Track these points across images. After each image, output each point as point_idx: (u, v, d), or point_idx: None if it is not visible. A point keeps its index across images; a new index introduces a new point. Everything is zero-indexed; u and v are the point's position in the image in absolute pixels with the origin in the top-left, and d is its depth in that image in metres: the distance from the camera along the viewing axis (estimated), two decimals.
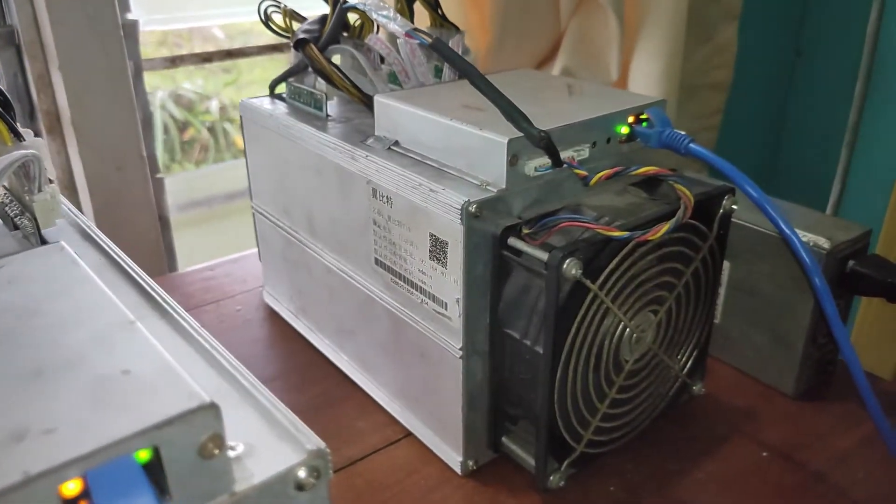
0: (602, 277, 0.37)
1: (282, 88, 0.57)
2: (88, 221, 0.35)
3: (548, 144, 0.37)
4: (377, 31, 0.56)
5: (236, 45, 0.89)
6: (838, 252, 0.47)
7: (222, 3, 0.87)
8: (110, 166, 0.73)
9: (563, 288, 0.36)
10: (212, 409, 0.17)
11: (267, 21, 0.55)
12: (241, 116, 0.58)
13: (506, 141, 0.38)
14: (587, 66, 0.88)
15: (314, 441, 0.20)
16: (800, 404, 0.50)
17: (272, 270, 0.61)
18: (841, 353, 0.39)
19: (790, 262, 0.47)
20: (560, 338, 0.38)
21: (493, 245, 0.39)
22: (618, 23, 0.84)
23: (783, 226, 0.39)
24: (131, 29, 0.74)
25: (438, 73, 0.54)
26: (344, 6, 0.47)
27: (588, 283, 0.37)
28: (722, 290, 0.53)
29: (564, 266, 0.35)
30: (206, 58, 0.87)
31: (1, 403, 0.17)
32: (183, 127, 1.35)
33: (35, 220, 0.32)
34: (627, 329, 0.41)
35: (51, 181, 0.33)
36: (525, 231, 0.39)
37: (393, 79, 0.53)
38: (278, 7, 0.56)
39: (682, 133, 0.42)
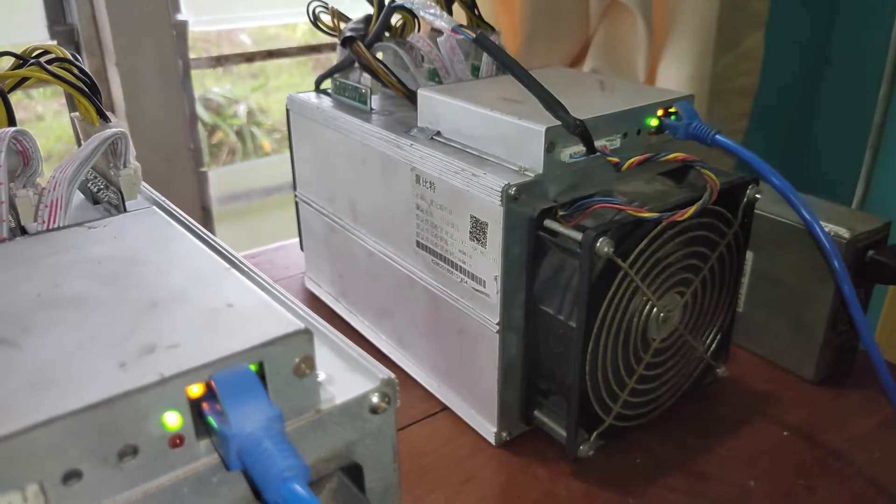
0: (632, 257, 0.40)
1: (325, 85, 0.61)
2: (160, 196, 0.38)
3: (583, 132, 0.40)
4: (418, 30, 0.59)
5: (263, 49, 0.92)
6: (858, 241, 0.49)
7: (264, 6, 0.91)
8: (160, 157, 0.77)
9: (595, 266, 0.39)
10: (306, 333, 0.20)
11: (315, 21, 0.59)
12: (287, 110, 0.61)
13: (543, 129, 0.41)
14: (615, 69, 0.91)
15: (384, 372, 0.23)
16: (820, 389, 0.52)
17: (314, 257, 0.64)
18: (858, 333, 0.41)
19: (812, 252, 0.49)
20: (592, 313, 0.40)
21: (529, 226, 0.41)
22: (646, 27, 0.87)
23: (804, 211, 0.42)
24: (181, 29, 0.78)
25: (475, 70, 0.57)
26: (392, 5, 0.50)
27: (619, 261, 0.39)
28: (745, 280, 0.55)
29: (597, 244, 0.38)
30: (249, 57, 0.91)
31: (128, 326, 0.20)
32: (212, 130, 1.40)
33: (120, 192, 0.35)
34: (655, 308, 0.43)
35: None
36: (560, 213, 0.41)
37: (432, 76, 0.57)
38: (326, 7, 0.59)
39: (709, 125, 0.45)
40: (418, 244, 0.49)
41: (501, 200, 0.40)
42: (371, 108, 0.55)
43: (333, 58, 1.00)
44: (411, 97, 0.53)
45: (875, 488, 0.44)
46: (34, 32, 0.75)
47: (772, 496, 0.43)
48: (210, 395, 0.19)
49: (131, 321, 0.21)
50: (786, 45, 1.18)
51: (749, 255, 0.53)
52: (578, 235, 0.39)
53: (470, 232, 0.44)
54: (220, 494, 0.20)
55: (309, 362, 0.21)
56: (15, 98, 0.37)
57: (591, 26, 0.93)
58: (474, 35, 0.42)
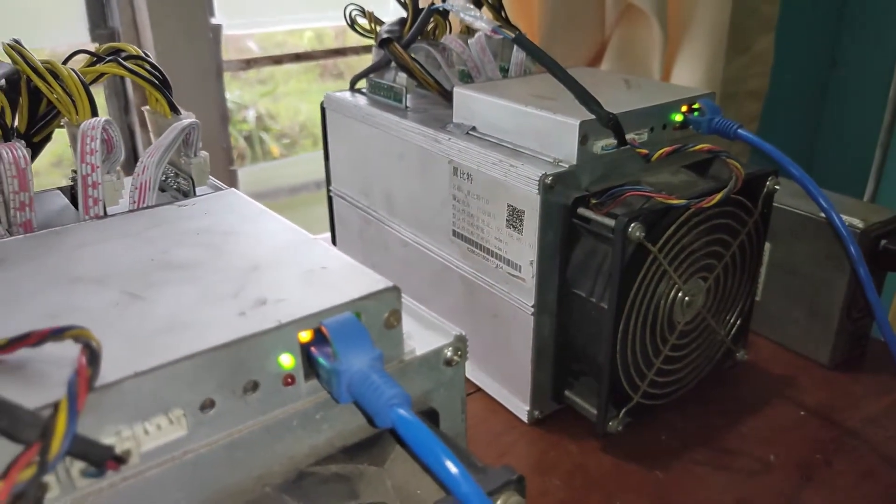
0: (661, 242, 0.43)
1: (359, 85, 0.64)
2: (222, 184, 0.41)
3: (615, 125, 0.43)
4: (450, 32, 0.62)
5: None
6: (871, 231, 0.51)
7: (294, 10, 0.94)
8: None
9: (627, 250, 0.42)
10: (395, 290, 0.23)
11: (352, 23, 0.62)
12: (322, 108, 0.64)
13: (578, 122, 0.44)
14: (630, 71, 0.94)
15: (456, 329, 0.25)
16: (835, 373, 0.55)
17: (347, 249, 0.67)
18: (873, 313, 0.44)
19: (827, 242, 0.52)
20: (623, 295, 0.43)
21: (564, 214, 0.44)
22: (661, 30, 0.90)
23: (822, 200, 0.44)
24: (216, 32, 0.81)
25: (503, 71, 0.60)
26: (432, 8, 0.53)
27: (649, 245, 0.42)
28: (763, 270, 0.57)
29: (629, 229, 0.41)
30: (277, 60, 0.94)
31: (237, 284, 0.23)
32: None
33: (192, 179, 0.38)
34: (681, 293, 0.46)
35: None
36: (593, 202, 0.44)
37: (462, 76, 0.60)
38: (361, 11, 0.62)
39: (731, 120, 0.48)
40: (454, 233, 0.51)
41: (538, 189, 0.43)
42: (406, 106, 0.58)
43: (340, 64, 1.03)
44: (445, 95, 0.56)
45: (889, 464, 0.46)
46: (76, 35, 0.79)
47: (791, 468, 0.46)
48: (317, 340, 0.22)
49: (239, 280, 0.24)
50: (794, 49, 1.21)
51: (766, 246, 0.56)
52: (611, 222, 0.42)
53: (506, 220, 0.46)
54: (322, 430, 0.23)
55: (397, 316, 0.23)
56: None
57: (606, 30, 0.96)
58: (513, 35, 0.45)
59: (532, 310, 0.46)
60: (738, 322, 0.52)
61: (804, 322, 0.56)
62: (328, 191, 0.67)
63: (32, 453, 0.16)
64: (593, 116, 0.44)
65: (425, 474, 0.24)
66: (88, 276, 0.24)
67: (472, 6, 0.49)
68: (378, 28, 0.61)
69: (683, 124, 0.49)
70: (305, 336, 0.22)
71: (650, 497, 0.43)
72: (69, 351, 0.18)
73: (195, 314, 0.21)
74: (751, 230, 0.48)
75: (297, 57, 0.95)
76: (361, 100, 0.61)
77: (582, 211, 0.44)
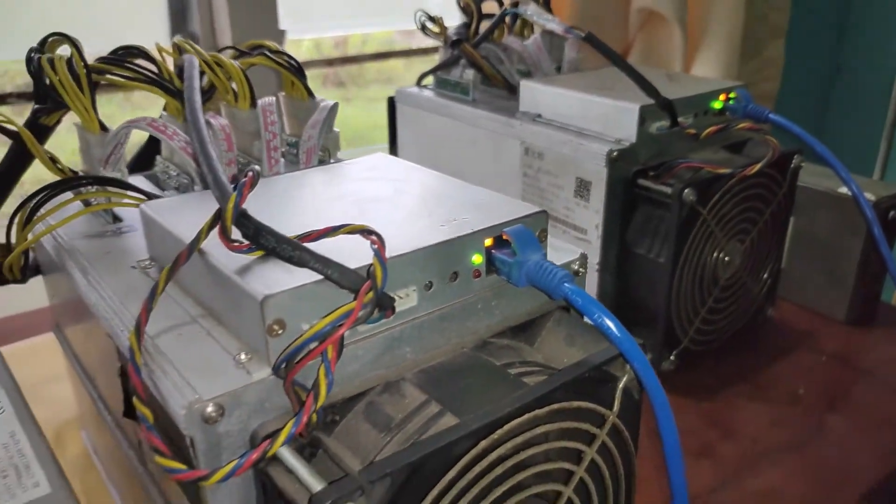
0: (709, 206, 0.51)
1: (425, 81, 0.72)
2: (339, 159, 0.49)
3: (671, 109, 0.51)
4: (510, 33, 0.71)
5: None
6: (882, 203, 0.60)
7: (349, 15, 1.03)
8: None
9: (682, 212, 0.50)
10: (544, 213, 0.31)
11: (423, 27, 0.70)
12: (392, 102, 0.73)
13: (638, 107, 0.52)
14: None
15: (577, 251, 0.34)
16: (851, 328, 0.63)
17: None
18: (886, 265, 0.52)
19: (843, 212, 0.61)
20: (677, 252, 0.51)
21: (625, 184, 0.53)
22: (682, 36, 0.98)
23: (841, 171, 0.53)
24: (281, 37, 0.90)
25: (557, 69, 0.68)
26: (506, 11, 0.62)
27: (700, 208, 0.50)
28: (787, 241, 0.66)
29: (684, 193, 0.49)
30: (329, 62, 1.03)
31: (427, 209, 0.31)
32: None
33: (328, 151, 0.46)
34: (722, 252, 0.55)
35: None
36: (650, 174, 0.53)
37: (519, 73, 0.68)
38: (429, 17, 0.71)
39: (762, 107, 0.56)
40: None
41: (605, 163, 0.52)
42: (473, 99, 0.66)
43: (341, 72, 1.12)
44: (510, 88, 0.64)
45: None
46: (159, 38, 0.87)
47: (817, 399, 0.54)
48: (496, 245, 0.30)
49: (425, 207, 0.32)
50: (800, 54, 1.30)
51: (791, 220, 0.64)
52: (668, 189, 0.50)
53: (575, 191, 0.55)
54: (495, 313, 0.31)
55: (544, 234, 0.31)
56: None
57: (630, 35, 1.04)
58: (583, 34, 0.54)
59: (597, 267, 0.55)
60: (769, 281, 0.60)
61: (823, 285, 0.64)
62: None
63: (367, 287, 0.24)
64: (650, 102, 0.52)
65: (565, 350, 0.32)
66: (320, 200, 0.32)
67: (544, 10, 0.57)
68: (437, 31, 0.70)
69: (721, 111, 0.58)
70: (488, 242, 0.30)
71: (703, 419, 0.52)
72: (348, 242, 0.26)
73: (410, 225, 0.30)
74: (780, 199, 0.57)
75: (375, 56, 1.03)
76: (429, 94, 0.70)
77: (641, 181, 0.52)
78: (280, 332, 0.25)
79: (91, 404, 0.40)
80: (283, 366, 0.24)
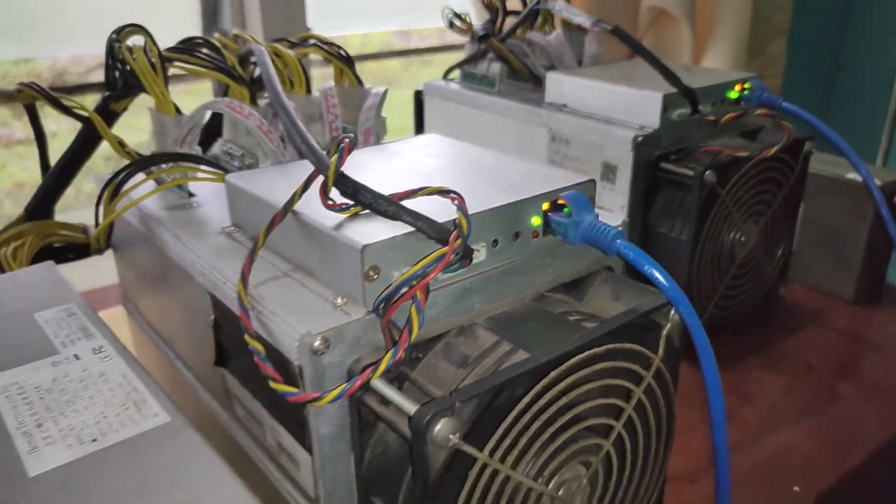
0: (728, 187, 0.55)
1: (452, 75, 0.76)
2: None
3: (693, 97, 0.55)
4: (532, 28, 0.74)
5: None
6: (888, 188, 0.63)
7: (370, 14, 1.07)
8: None
9: (702, 193, 0.54)
10: (592, 181, 0.35)
11: (450, 24, 0.74)
12: (419, 95, 0.76)
13: (661, 95, 0.56)
14: None
15: (620, 218, 0.37)
16: (858, 307, 0.67)
17: None
18: (893, 242, 0.56)
19: (851, 197, 0.64)
20: (698, 230, 0.55)
21: (649, 167, 0.56)
22: (690, 34, 1.02)
23: (851, 156, 0.57)
24: None
25: (578, 63, 0.72)
26: (535, 7, 0.65)
27: (719, 189, 0.54)
28: (798, 225, 0.69)
29: (706, 175, 0.53)
30: (370, 56, 1.06)
31: (489, 178, 0.35)
32: None
33: (377, 134, 0.50)
34: (739, 232, 0.58)
35: None
36: (672, 157, 0.56)
37: (542, 66, 0.72)
38: (456, 15, 0.74)
39: (776, 96, 0.60)
40: None
41: (631, 147, 0.55)
42: (499, 90, 0.70)
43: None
44: (535, 80, 0.68)
45: None
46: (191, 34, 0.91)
47: (828, 369, 0.58)
48: (553, 209, 0.33)
49: (486, 177, 0.35)
50: (801, 53, 1.34)
51: (801, 206, 0.68)
52: (690, 171, 0.54)
53: (601, 174, 0.58)
54: (549, 271, 0.34)
55: (593, 200, 0.35)
56: None
57: (640, 33, 1.08)
58: (610, 27, 0.57)
59: None
60: (781, 262, 0.64)
61: (832, 266, 0.68)
62: None
63: (455, 235, 0.27)
64: (672, 90, 0.56)
65: (612, 305, 0.36)
66: (386, 173, 0.36)
67: (571, 5, 0.61)
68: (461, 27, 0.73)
69: (737, 100, 0.61)
70: (546, 206, 0.33)
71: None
72: (425, 204, 0.30)
73: (474, 191, 0.33)
74: (792, 183, 0.60)
75: (402, 53, 1.07)
76: (455, 86, 0.73)
77: (664, 165, 0.56)
78: (375, 277, 0.28)
79: (166, 367, 0.44)
80: (382, 306, 0.28)
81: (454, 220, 0.29)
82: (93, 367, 0.33)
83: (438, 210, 0.30)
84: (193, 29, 0.91)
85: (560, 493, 0.30)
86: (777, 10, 1.24)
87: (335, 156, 0.28)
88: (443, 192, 0.30)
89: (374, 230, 0.29)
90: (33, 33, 0.85)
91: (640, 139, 0.55)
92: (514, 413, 0.27)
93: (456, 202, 0.29)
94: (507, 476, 0.28)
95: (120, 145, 0.49)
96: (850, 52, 1.49)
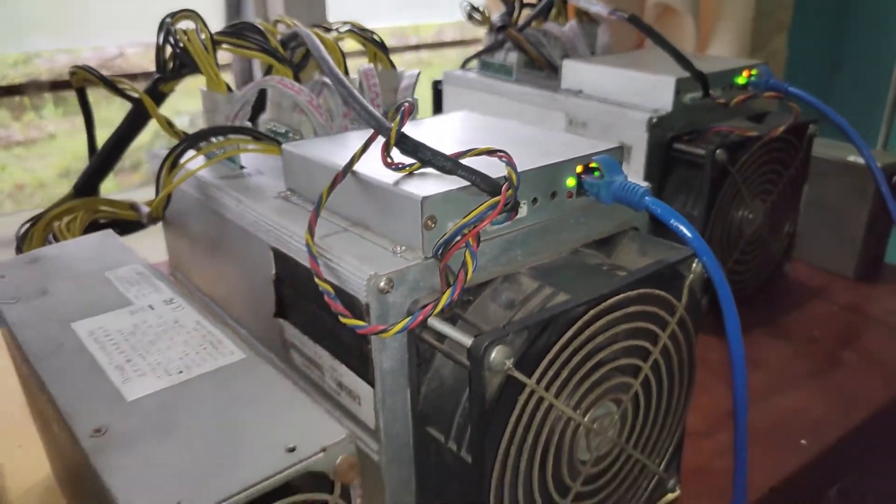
0: (738, 165, 0.58)
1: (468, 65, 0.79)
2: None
3: (704, 80, 0.58)
4: (546, 20, 0.78)
5: None
6: (888, 169, 0.67)
7: (394, 10, 1.10)
8: None
9: (714, 171, 0.57)
10: (620, 148, 0.38)
11: (469, 17, 0.77)
12: (439, 84, 0.80)
13: (675, 79, 0.59)
14: None
15: (645, 184, 0.41)
16: (858, 283, 0.70)
17: None
18: (892, 218, 0.59)
19: (852, 179, 0.68)
20: (709, 206, 0.58)
21: (662, 147, 0.60)
22: (694, 29, 1.06)
23: (855, 138, 0.60)
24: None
25: (590, 53, 0.76)
26: None
27: (730, 167, 0.57)
28: (801, 207, 0.73)
29: (717, 153, 0.56)
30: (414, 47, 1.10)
31: (523, 145, 0.38)
32: None
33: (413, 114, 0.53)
34: (748, 210, 0.62)
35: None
36: (685, 138, 0.60)
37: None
38: (474, 7, 0.78)
39: (782, 81, 0.63)
40: None
41: (646, 128, 0.59)
42: (516, 79, 0.73)
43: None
44: (552, 68, 0.71)
45: None
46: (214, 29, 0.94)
47: (831, 339, 0.61)
48: (585, 171, 0.37)
49: (522, 144, 0.39)
50: (800, 51, 1.37)
51: (804, 188, 0.72)
52: (702, 151, 0.57)
53: None
54: (581, 228, 0.38)
55: (621, 165, 0.38)
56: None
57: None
58: (627, 15, 0.61)
59: None
60: (787, 241, 0.67)
61: (834, 245, 0.72)
62: None
63: (507, 187, 0.30)
64: (685, 75, 0.59)
65: (639, 259, 0.39)
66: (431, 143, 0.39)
67: None
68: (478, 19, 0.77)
69: (745, 86, 0.65)
70: (579, 169, 0.37)
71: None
72: (473, 164, 0.33)
73: (514, 154, 0.36)
74: (798, 163, 0.64)
75: (430, 46, 1.10)
76: (473, 75, 0.77)
77: (677, 145, 0.59)
78: (433, 226, 0.31)
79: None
80: (440, 250, 0.31)
81: (503, 176, 0.32)
82: (167, 316, 0.36)
83: (487, 169, 0.33)
84: (217, 21, 0.94)
85: (594, 425, 0.34)
86: (778, 6, 1.27)
87: (397, 117, 0.32)
88: (490, 152, 0.33)
89: (430, 185, 0.32)
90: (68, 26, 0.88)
91: (654, 121, 0.58)
92: (557, 346, 0.30)
93: (504, 159, 0.32)
94: (550, 404, 0.31)
95: (168, 124, 0.52)
96: (848, 48, 1.53)
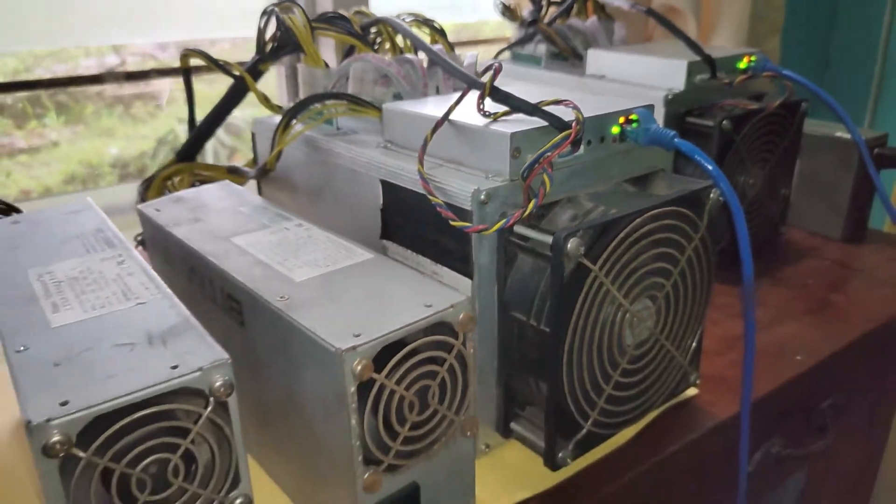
0: (741, 135, 0.69)
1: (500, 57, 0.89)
2: None
3: (712, 63, 0.69)
4: (569, 16, 0.88)
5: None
6: (870, 143, 0.78)
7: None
8: None
9: (721, 139, 0.67)
10: (651, 105, 0.49)
11: (502, 12, 0.88)
12: None
13: (686, 62, 0.70)
14: None
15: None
16: (845, 244, 0.81)
17: None
18: (875, 187, 0.69)
19: (839, 153, 0.78)
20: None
21: (676, 122, 0.70)
22: (696, 29, 1.16)
23: (841, 113, 0.70)
24: None
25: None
26: None
27: (735, 136, 0.68)
28: (794, 179, 0.83)
29: (723, 124, 0.66)
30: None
31: (585, 105, 0.49)
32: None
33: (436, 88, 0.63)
34: (749, 176, 0.72)
35: None
36: (695, 113, 0.70)
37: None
38: (504, 5, 0.88)
39: (777, 66, 0.74)
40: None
41: (663, 103, 0.69)
42: (544, 67, 0.84)
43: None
44: (577, 57, 0.82)
45: (887, 286, 0.72)
46: (249, 28, 1.04)
47: (822, 287, 0.71)
48: (626, 122, 0.47)
49: (580, 101, 0.49)
50: (792, 50, 1.48)
51: (797, 161, 0.82)
52: (710, 122, 0.68)
53: None
54: (621, 166, 0.48)
55: (653, 117, 0.49)
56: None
57: (650, 27, 1.22)
58: (645, 9, 0.71)
59: None
60: (783, 205, 0.78)
61: (823, 211, 0.82)
62: None
63: (577, 122, 0.40)
64: (696, 58, 0.70)
65: (668, 191, 0.49)
66: None
67: None
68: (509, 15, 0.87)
69: (745, 70, 0.75)
70: (621, 119, 0.47)
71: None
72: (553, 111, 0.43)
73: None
74: (791, 136, 0.74)
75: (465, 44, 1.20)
76: (506, 65, 0.87)
77: (689, 118, 0.70)
78: (518, 156, 0.42)
79: None
80: (525, 173, 0.41)
81: (572, 120, 0.42)
82: (302, 234, 0.46)
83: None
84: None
85: (637, 315, 0.44)
86: (772, 9, 1.39)
87: (490, 72, 0.42)
88: (558, 102, 0.43)
89: (513, 126, 0.42)
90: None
91: (669, 97, 0.69)
92: (613, 243, 0.40)
93: (571, 105, 0.42)
94: (607, 289, 0.41)
95: (265, 99, 0.62)
96: (836, 48, 1.64)
